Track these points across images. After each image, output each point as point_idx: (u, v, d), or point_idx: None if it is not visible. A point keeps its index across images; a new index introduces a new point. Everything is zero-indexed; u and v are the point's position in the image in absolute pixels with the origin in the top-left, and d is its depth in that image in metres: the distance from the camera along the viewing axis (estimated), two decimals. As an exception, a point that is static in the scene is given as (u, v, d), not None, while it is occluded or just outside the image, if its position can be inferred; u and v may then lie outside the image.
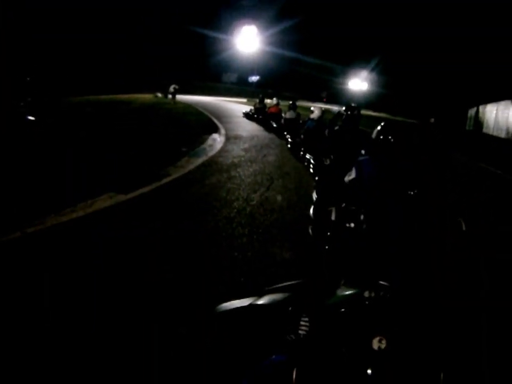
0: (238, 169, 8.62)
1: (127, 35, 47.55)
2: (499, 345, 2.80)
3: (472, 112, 31.10)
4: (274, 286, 1.78)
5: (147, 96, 34.74)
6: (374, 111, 45.33)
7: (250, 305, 1.64)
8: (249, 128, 17.08)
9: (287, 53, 53.59)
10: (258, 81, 51.15)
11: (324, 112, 10.62)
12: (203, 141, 12.13)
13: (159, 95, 35.12)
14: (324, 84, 56.65)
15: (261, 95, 20.72)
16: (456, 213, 4.32)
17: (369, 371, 1.16)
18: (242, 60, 55.16)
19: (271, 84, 54.76)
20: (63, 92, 24.25)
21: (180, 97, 33.06)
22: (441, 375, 1.21)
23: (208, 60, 54.85)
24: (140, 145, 10.46)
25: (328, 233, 3.92)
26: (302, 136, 10.46)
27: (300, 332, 1.40)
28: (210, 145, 11.57)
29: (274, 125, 14.96)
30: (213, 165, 8.95)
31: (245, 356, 1.52)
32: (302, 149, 9.91)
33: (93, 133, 11.63)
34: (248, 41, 52.35)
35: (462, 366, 1.56)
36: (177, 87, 32.05)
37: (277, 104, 17.15)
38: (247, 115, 20.67)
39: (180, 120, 17.91)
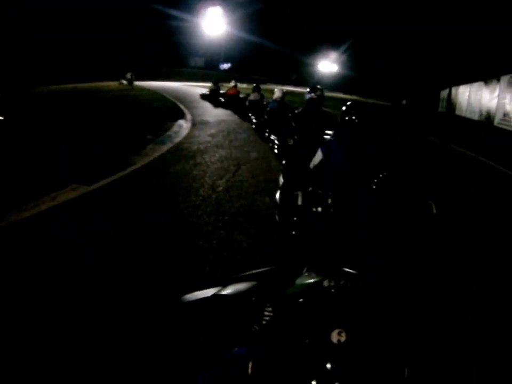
0: (204, 156, 8.58)
1: (91, 21, 46.50)
2: (467, 338, 2.82)
3: (444, 94, 31.52)
4: (239, 275, 1.76)
5: (112, 84, 34.75)
6: (345, 93, 45.58)
7: (214, 295, 1.62)
8: (216, 113, 17.21)
9: (255, 37, 53.12)
10: (230, 68, 50.64)
11: (285, 93, 11.16)
12: (169, 127, 12.13)
13: (124, 82, 35.46)
14: (294, 67, 56.66)
15: (214, 79, 22.99)
16: (427, 195, 4.36)
17: (328, 365, 1.13)
18: (209, 43, 54.64)
19: (240, 68, 54.45)
20: (26, 83, 23.99)
21: (147, 83, 34.12)
22: (406, 371, 1.19)
23: (174, 45, 54.20)
24: (104, 135, 10.37)
25: (295, 218, 3.91)
26: (266, 117, 10.94)
27: (264, 322, 1.39)
28: (176, 132, 11.54)
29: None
30: (178, 151, 8.91)
31: (209, 348, 1.51)
32: (267, 130, 10.30)
33: (57, 125, 11.42)
34: (214, 23, 51.81)
35: (429, 362, 1.53)
36: (133, 74, 34.14)
37: (235, 86, 18.50)
38: (203, 96, 22.51)
39: (145, 107, 17.96)
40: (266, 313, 1.41)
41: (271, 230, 4.81)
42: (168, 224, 4.90)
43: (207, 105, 20.30)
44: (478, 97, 22.78)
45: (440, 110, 32.08)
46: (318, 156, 4.19)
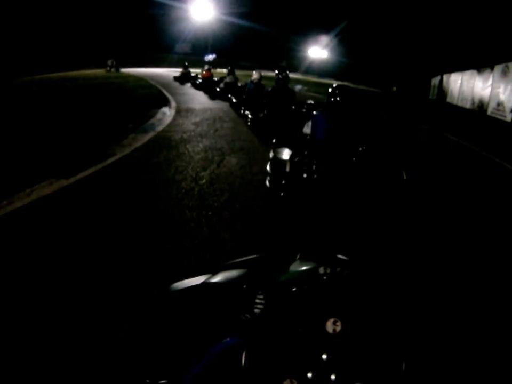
0: (187, 146, 8.31)
1: (76, 8, 45.75)
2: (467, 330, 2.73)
3: (435, 81, 31.28)
4: (229, 262, 1.71)
5: (98, 72, 34.56)
6: (336, 79, 45.20)
7: (203, 283, 1.59)
8: (202, 101, 17.41)
9: (244, 21, 52.50)
10: (215, 59, 49.83)
11: (262, 76, 12.75)
12: (152, 115, 11.91)
13: (111, 69, 36.22)
14: (283, 53, 56.10)
15: (186, 63, 27.22)
16: (400, 166, 4.86)
17: (324, 356, 1.07)
18: (197, 29, 53.96)
19: (228, 53, 53.94)
20: (6, 73, 23.23)
21: (133, 70, 35.10)
22: (403, 365, 1.12)
23: (161, 31, 53.48)
24: (84, 124, 9.90)
25: (283, 182, 4.55)
26: (244, 97, 12.72)
27: (255, 310, 1.34)
28: (160, 120, 11.34)
29: (218, 89, 17.66)
30: (160, 141, 8.67)
31: (199, 339, 1.43)
32: (242, 107, 12.09)
33: (36, 115, 10.97)
34: (202, 8, 51.03)
35: (427, 356, 1.45)
36: (114, 61, 36.18)
37: (209, 69, 21.26)
38: (175, 78, 26.60)
39: (128, 94, 17.66)
40: (257, 301, 1.36)
41: (259, 226, 4.76)
42: (147, 221, 4.65)
43: (190, 90, 21.89)
44: (471, 86, 22.47)
45: (431, 97, 31.87)
46: (307, 128, 4.98)
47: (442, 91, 29.08)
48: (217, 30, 54.23)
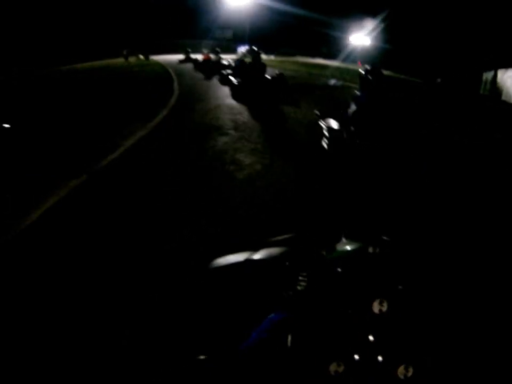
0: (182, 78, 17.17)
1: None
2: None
3: (488, 75, 28.90)
4: (272, 240, 1.74)
5: (119, 61, 38.03)
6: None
7: (246, 260, 1.63)
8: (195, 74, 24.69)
9: (284, 6, 50.44)
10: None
11: (246, 55, 18.38)
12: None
13: (141, 57, 40.72)
14: (324, 39, 54.06)
15: (188, 49, 34.92)
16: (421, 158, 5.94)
17: (370, 337, 1.08)
18: (235, 13, 52.38)
19: (267, 40, 52.47)
20: (33, 64, 24.93)
21: (162, 57, 39.06)
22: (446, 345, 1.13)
23: (198, 15, 52.31)
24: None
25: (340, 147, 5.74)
26: (231, 71, 17.46)
27: (298, 288, 1.32)
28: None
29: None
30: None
31: (243, 314, 1.45)
32: (228, 77, 16.56)
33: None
34: None
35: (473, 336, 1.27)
36: (129, 51, 39.56)
37: (208, 53, 26.21)
38: (180, 61, 33.58)
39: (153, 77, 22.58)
40: (300, 278, 1.34)
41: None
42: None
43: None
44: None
45: (482, 92, 29.47)
46: (352, 106, 6.19)
47: (496, 87, 26.72)
48: (257, 16, 52.56)
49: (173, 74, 24.32)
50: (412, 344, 1.08)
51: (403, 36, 43.70)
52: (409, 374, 1.05)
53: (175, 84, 19.03)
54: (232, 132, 9.67)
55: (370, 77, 5.92)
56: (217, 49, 26.68)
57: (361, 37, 49.44)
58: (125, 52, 38.68)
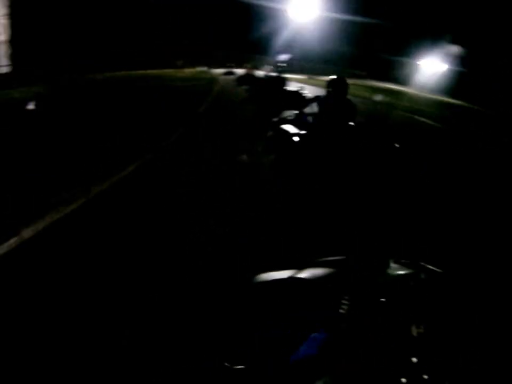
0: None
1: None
2: None
3: None
4: (317, 260, 1.78)
5: (193, 70, 42.03)
6: (452, 97, 41.11)
7: (290, 277, 1.65)
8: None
9: (354, 29, 49.85)
10: (288, 61, 47.10)
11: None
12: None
13: (203, 68, 43.49)
14: (395, 63, 52.95)
15: (232, 64, 40.17)
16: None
17: (414, 359, 1.09)
18: (304, 32, 52.29)
19: (336, 60, 52.26)
20: (87, 68, 26.04)
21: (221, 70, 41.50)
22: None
23: (264, 35, 52.83)
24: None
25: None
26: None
27: (341, 311, 1.33)
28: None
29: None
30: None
31: (282, 329, 1.44)
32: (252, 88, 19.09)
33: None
34: (305, 10, 48.35)
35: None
36: (181, 62, 43.19)
37: (250, 68, 28.33)
38: (224, 73, 39.35)
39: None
40: (344, 301, 1.35)
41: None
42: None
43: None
44: None
45: None
46: (314, 106, 6.82)
47: None
48: (326, 35, 52.33)
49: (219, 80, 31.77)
50: (451, 363, 1.10)
51: (483, 60, 41.50)
52: None
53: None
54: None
55: (334, 84, 6.38)
56: (281, 63, 27.72)
57: (436, 62, 47.91)
58: (179, 63, 41.95)
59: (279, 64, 32.19)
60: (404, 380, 1.02)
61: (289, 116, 7.51)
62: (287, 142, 6.43)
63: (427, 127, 17.75)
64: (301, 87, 15.62)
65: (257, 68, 29.61)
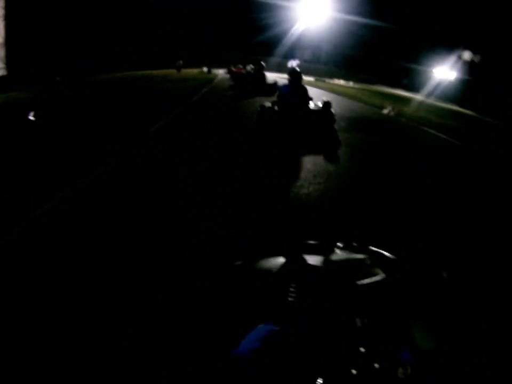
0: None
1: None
2: None
3: None
4: (264, 251, 1.77)
5: (194, 71, 42.79)
6: (461, 106, 40.34)
7: (235, 265, 1.67)
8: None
9: (366, 32, 49.51)
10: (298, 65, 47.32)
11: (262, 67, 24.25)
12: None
13: (205, 70, 43.30)
14: (405, 69, 52.44)
15: (207, 66, 42.08)
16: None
17: (362, 349, 1.07)
18: (316, 35, 52.12)
19: (347, 64, 51.97)
20: (89, 69, 26.75)
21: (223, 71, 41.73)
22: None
23: (278, 35, 52.71)
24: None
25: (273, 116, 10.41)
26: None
27: (289, 299, 1.31)
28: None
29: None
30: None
31: (232, 322, 1.37)
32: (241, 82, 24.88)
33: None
34: (318, 12, 48.31)
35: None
36: (181, 62, 42.34)
37: (240, 68, 32.20)
38: (226, 72, 38.80)
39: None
40: (292, 289, 1.34)
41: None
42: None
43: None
44: None
45: None
46: (277, 93, 11.01)
47: None
48: (337, 39, 52.21)
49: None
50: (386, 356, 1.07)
51: (495, 70, 40.75)
52: (409, 372, 1.03)
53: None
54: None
55: (292, 74, 10.62)
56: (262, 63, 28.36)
57: (446, 70, 47.24)
58: (178, 63, 41.37)
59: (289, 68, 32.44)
60: (354, 372, 1.01)
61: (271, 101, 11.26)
62: (267, 112, 10.49)
63: (441, 143, 13.50)
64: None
65: (254, 68, 29.20)
